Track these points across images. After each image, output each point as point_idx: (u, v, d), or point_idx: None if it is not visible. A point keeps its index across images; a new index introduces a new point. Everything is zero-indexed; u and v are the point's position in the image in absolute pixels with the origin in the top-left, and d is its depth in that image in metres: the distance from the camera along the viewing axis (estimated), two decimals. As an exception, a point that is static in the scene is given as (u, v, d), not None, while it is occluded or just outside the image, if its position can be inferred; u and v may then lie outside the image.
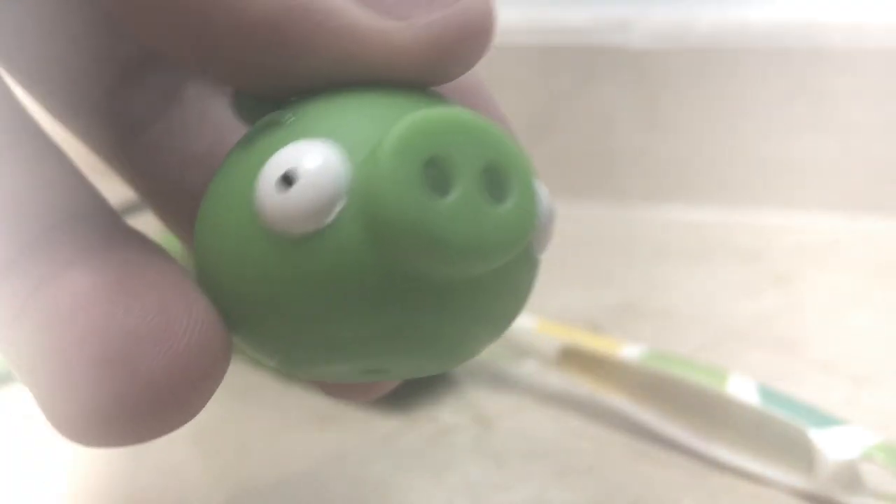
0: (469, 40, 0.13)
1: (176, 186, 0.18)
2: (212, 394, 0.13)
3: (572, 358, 0.32)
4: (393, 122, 0.12)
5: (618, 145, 0.64)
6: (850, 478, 0.25)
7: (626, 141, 0.64)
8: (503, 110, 0.18)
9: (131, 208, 0.58)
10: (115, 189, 0.65)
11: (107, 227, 0.14)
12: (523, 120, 0.65)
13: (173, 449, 0.30)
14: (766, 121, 0.61)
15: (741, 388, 0.28)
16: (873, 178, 0.59)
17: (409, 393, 0.33)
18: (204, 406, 0.13)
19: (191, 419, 0.13)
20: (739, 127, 0.61)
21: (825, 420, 0.26)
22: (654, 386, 0.30)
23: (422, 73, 0.13)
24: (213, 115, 0.18)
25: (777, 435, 0.27)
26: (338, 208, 0.12)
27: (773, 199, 0.62)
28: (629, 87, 0.62)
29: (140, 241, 0.14)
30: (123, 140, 0.18)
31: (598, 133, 0.64)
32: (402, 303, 0.13)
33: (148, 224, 0.61)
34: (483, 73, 0.59)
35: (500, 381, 0.34)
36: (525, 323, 0.33)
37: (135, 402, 0.12)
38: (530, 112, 0.65)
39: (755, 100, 0.60)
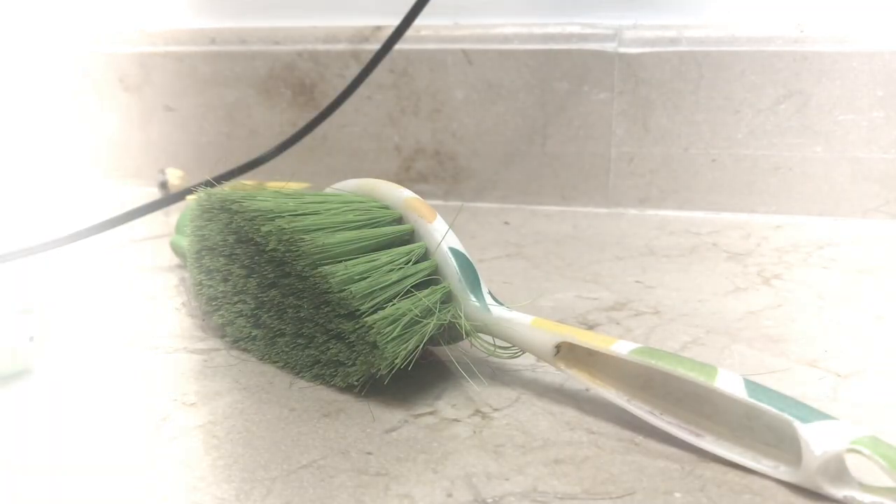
0: None
1: None
2: None
3: (567, 353, 0.32)
4: None
5: (610, 148, 0.64)
6: (837, 470, 0.26)
7: (618, 144, 0.64)
8: None
9: (136, 211, 0.58)
10: (120, 191, 0.65)
11: None
12: (521, 124, 0.65)
13: (185, 442, 0.30)
14: (755, 125, 0.62)
15: (730, 383, 0.28)
16: (858, 182, 0.60)
17: (411, 387, 0.34)
18: None
19: None
20: (728, 131, 0.62)
21: (812, 414, 0.27)
22: (647, 380, 0.31)
23: None
24: None
25: (765, 428, 0.28)
26: None
27: (762, 202, 0.62)
28: (622, 93, 0.63)
29: None
30: None
31: (591, 136, 0.65)
32: None
33: (152, 224, 0.61)
34: (483, 80, 0.60)
35: (498, 375, 0.35)
36: (522, 320, 0.33)
37: None
38: (527, 116, 0.65)
39: (744, 104, 0.61)
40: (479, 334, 0.34)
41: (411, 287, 0.33)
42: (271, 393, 0.34)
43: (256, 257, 0.35)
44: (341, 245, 0.33)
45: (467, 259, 0.35)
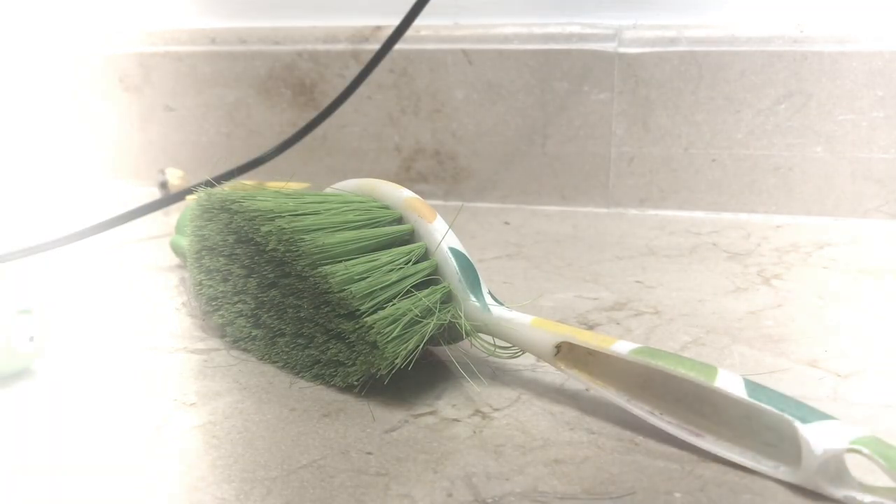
0: None
1: None
2: None
3: (567, 353, 0.32)
4: None
5: (610, 148, 0.64)
6: (837, 470, 0.26)
7: (618, 144, 0.64)
8: None
9: (136, 211, 0.58)
10: (120, 191, 0.65)
11: None
12: (521, 124, 0.65)
13: (185, 442, 0.30)
14: (755, 125, 0.62)
15: (730, 383, 0.28)
16: (858, 182, 0.60)
17: (411, 387, 0.34)
18: None
19: None
20: (728, 131, 0.62)
21: (812, 414, 0.27)
22: (647, 380, 0.31)
23: None
24: None
25: (765, 428, 0.28)
26: None
27: (761, 202, 0.62)
28: (622, 93, 0.63)
29: None
30: None
31: (591, 136, 0.64)
32: None
33: (152, 224, 0.61)
34: (483, 80, 0.60)
35: (498, 375, 0.35)
36: (522, 320, 0.33)
37: None
38: (527, 116, 0.65)
39: (744, 104, 0.61)
40: (480, 334, 0.34)
41: (411, 287, 0.33)
42: (271, 393, 0.34)
43: (256, 257, 0.35)
44: (341, 245, 0.33)
45: (467, 259, 0.35)
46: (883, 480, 0.26)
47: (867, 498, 0.25)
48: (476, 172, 0.68)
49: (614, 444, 0.30)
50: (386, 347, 0.31)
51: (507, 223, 0.62)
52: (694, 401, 0.29)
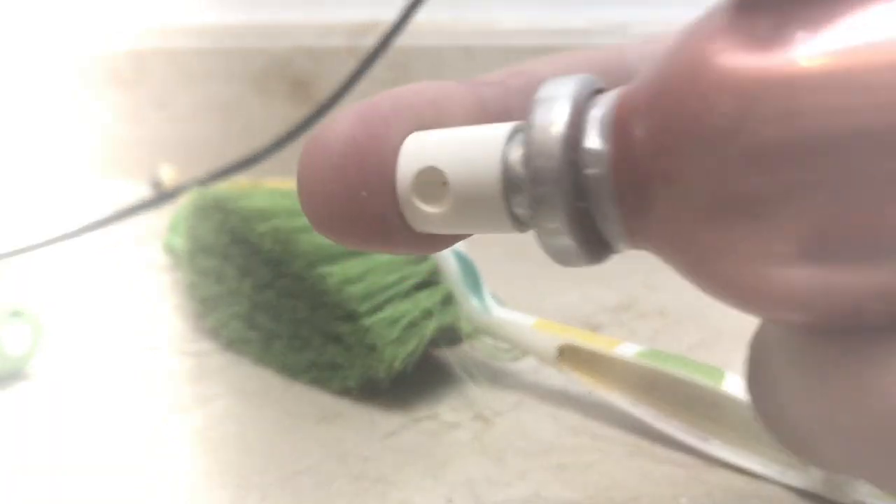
0: None
1: None
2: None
3: (570, 356, 0.32)
4: None
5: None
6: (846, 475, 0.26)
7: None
8: None
9: (130, 209, 0.57)
10: (113, 189, 0.64)
11: None
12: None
13: (179, 446, 0.30)
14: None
15: (737, 386, 0.28)
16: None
17: (411, 391, 0.33)
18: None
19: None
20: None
21: (821, 418, 0.26)
22: (652, 383, 0.30)
23: None
24: None
25: (773, 432, 0.28)
26: None
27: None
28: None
29: None
30: None
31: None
32: None
33: (145, 223, 0.60)
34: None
35: (500, 379, 0.35)
36: (524, 322, 0.33)
37: None
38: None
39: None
40: (481, 336, 0.34)
41: (411, 288, 0.33)
42: (267, 397, 0.33)
43: (251, 258, 0.34)
44: (339, 245, 0.32)
45: (468, 259, 0.35)
46: (895, 487, 0.26)
47: (876, 503, 0.25)
48: (475, 170, 0.67)
49: (619, 448, 0.29)
50: (385, 350, 0.30)
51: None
52: (700, 404, 0.29)
